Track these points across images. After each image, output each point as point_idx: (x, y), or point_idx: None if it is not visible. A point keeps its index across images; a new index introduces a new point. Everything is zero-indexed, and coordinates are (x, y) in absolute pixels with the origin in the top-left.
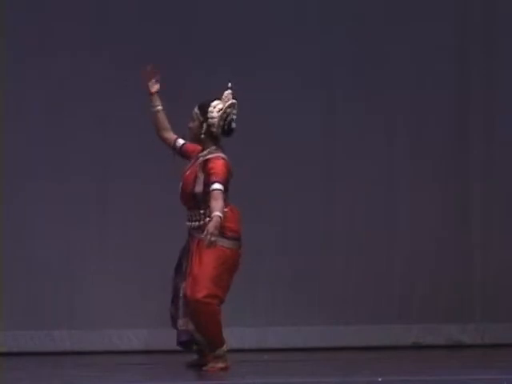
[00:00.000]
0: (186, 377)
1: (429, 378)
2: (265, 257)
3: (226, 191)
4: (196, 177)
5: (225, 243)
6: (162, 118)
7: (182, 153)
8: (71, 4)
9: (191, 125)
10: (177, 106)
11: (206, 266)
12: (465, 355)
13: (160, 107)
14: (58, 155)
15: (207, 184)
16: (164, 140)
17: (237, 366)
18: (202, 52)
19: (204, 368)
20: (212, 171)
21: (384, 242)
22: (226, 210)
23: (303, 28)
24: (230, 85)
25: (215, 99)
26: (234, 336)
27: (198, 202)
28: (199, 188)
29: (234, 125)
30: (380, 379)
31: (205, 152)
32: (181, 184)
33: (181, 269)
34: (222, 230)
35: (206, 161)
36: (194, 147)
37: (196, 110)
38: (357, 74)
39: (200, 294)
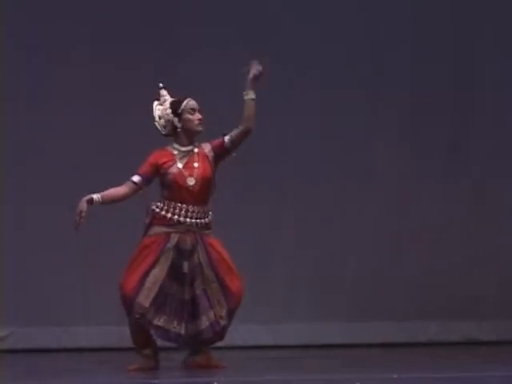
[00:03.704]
0: (197, 373)
1: (444, 375)
2: (281, 254)
3: None
4: (210, 165)
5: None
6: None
7: (149, 182)
8: (71, 4)
9: (202, 116)
10: None
11: (228, 259)
12: (480, 352)
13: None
14: (57, 155)
15: (224, 148)
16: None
17: (253, 362)
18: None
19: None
20: (217, 141)
21: (398, 239)
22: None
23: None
24: (161, 84)
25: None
26: (250, 333)
27: (210, 194)
28: (215, 179)
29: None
30: (395, 376)
31: (194, 144)
32: (191, 180)
33: (178, 272)
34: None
35: (210, 150)
36: (152, 163)
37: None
38: (363, 73)
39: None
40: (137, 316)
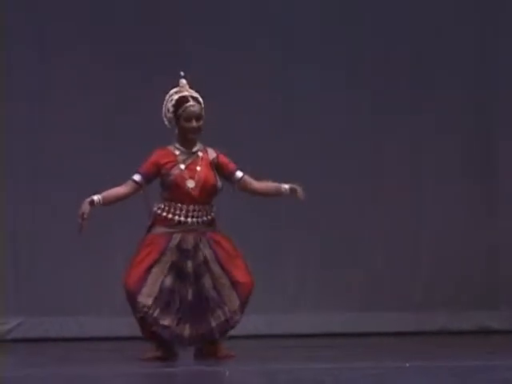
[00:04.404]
0: (210, 362)
1: (457, 364)
2: (293, 243)
3: None
4: (214, 172)
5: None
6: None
7: (149, 181)
8: (72, 4)
9: (200, 123)
10: None
11: (236, 254)
12: (493, 341)
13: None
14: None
15: (229, 177)
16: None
17: (265, 351)
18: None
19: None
20: (228, 163)
21: (412, 229)
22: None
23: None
24: (182, 73)
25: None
26: (264, 322)
27: (213, 197)
28: (220, 183)
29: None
30: (407, 364)
31: (198, 147)
32: (191, 182)
33: (182, 272)
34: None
35: (215, 157)
36: (154, 162)
37: (201, 102)
38: (383, 75)
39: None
40: (140, 315)
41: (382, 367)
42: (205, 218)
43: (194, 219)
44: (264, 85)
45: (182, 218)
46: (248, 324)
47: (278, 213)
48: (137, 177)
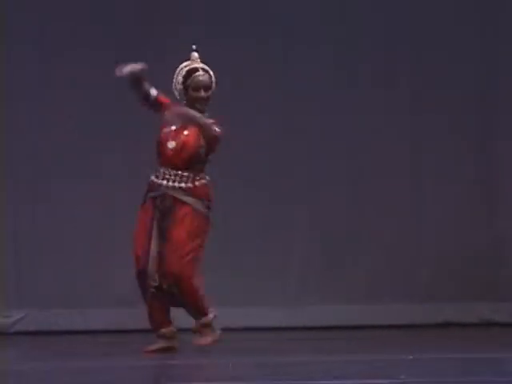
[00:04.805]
0: (214, 355)
1: (460, 356)
2: (296, 235)
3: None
4: (199, 139)
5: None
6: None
7: (154, 104)
8: (71, 4)
9: (209, 94)
10: None
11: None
12: (496, 334)
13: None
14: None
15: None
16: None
17: (268, 344)
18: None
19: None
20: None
21: (413, 221)
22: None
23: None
24: (194, 47)
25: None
26: (264, 315)
27: (191, 164)
28: (203, 150)
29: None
30: (411, 357)
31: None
32: (172, 143)
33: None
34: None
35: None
36: (165, 100)
37: (211, 74)
38: (383, 74)
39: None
40: (153, 285)
41: (386, 359)
42: (183, 185)
43: (170, 183)
44: (264, 85)
45: (159, 181)
46: (250, 316)
47: (280, 204)
48: (154, 91)
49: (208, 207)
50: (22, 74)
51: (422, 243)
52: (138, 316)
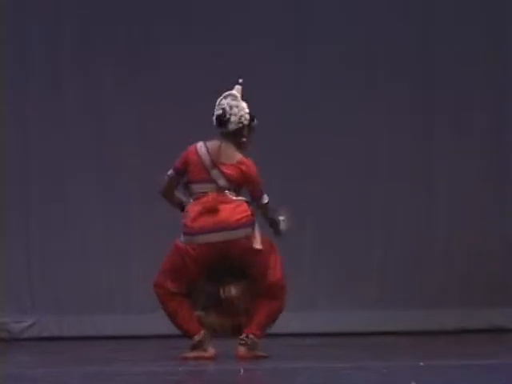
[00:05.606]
0: (223, 361)
1: (470, 363)
2: (307, 240)
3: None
4: None
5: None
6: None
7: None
8: (71, 4)
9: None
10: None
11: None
12: (507, 340)
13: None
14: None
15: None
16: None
17: (280, 350)
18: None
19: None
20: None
21: (424, 227)
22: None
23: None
24: (240, 81)
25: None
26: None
27: None
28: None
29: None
30: (421, 363)
31: None
32: None
33: None
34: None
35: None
36: (180, 165)
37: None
38: (384, 74)
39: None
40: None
41: (396, 366)
42: None
43: None
44: (265, 84)
45: None
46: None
47: (291, 207)
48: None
49: None
50: (22, 74)
51: (433, 249)
52: (149, 322)
